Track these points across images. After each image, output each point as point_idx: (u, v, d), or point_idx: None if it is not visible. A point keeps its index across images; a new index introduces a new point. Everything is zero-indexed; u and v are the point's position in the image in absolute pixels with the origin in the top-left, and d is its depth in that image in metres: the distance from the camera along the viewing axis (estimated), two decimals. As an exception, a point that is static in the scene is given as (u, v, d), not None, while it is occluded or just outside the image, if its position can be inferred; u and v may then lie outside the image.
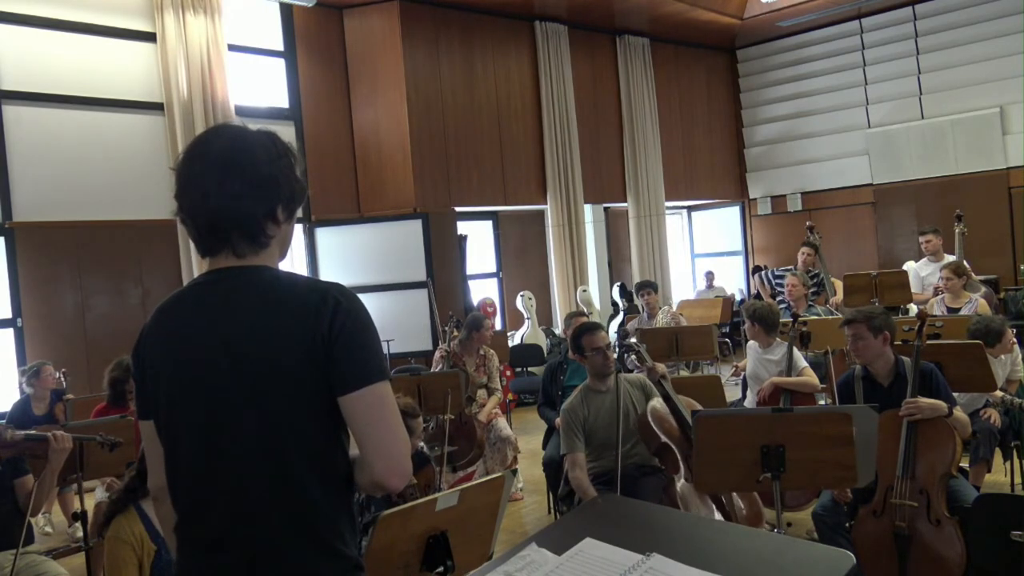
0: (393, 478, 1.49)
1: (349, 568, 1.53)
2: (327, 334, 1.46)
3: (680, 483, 3.55)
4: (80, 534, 3.87)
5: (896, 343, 3.68)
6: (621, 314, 10.19)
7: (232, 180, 1.49)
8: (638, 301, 7.40)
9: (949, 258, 6.80)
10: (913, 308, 6.66)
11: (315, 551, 1.49)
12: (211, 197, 1.49)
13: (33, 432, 3.40)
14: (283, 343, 1.46)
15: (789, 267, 7.79)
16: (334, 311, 1.47)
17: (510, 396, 7.88)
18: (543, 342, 9.65)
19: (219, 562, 1.50)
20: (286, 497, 1.47)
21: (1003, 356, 4.37)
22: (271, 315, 1.48)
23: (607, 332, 4.26)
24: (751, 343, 4.96)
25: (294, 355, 1.46)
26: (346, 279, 8.20)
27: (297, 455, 1.48)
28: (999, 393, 4.28)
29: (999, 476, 4.55)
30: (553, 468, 4.65)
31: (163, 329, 1.58)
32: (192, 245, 6.31)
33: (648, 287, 6.91)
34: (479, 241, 10.13)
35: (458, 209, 9.21)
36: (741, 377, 5.23)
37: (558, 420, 4.89)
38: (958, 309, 5.69)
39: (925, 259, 7.11)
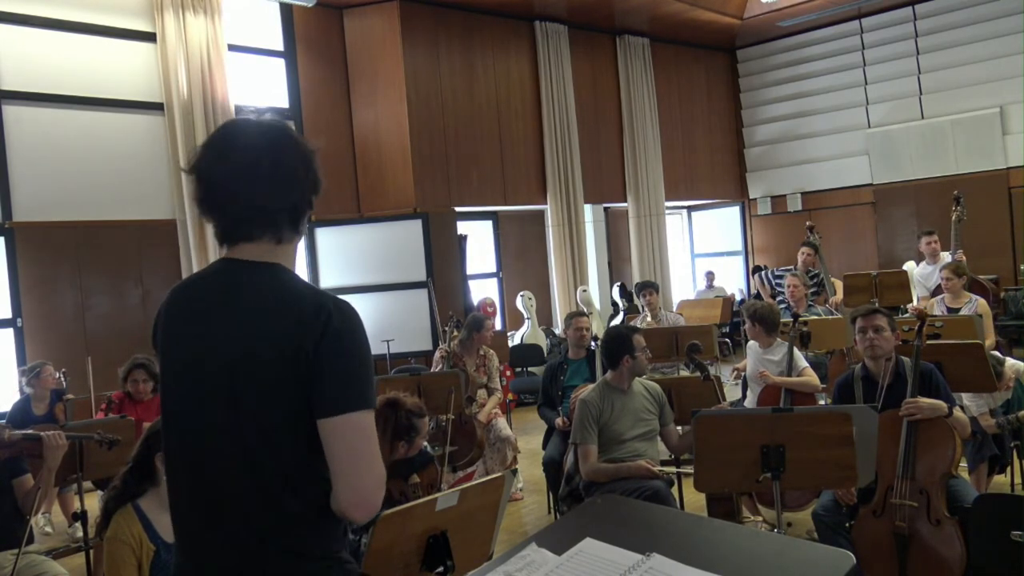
0: (355, 511, 1.44)
1: (336, 565, 1.53)
2: (314, 351, 1.42)
3: None
4: (80, 534, 3.88)
5: (896, 343, 3.68)
6: (621, 314, 10.19)
7: (262, 172, 1.49)
8: (638, 301, 7.39)
9: (944, 256, 6.78)
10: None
11: (295, 560, 1.48)
12: (241, 188, 1.49)
13: (30, 432, 3.40)
14: (270, 354, 1.44)
15: (789, 267, 7.78)
16: (325, 328, 1.43)
17: (510, 396, 7.88)
18: (543, 342, 9.65)
19: (205, 564, 1.51)
20: (264, 508, 1.46)
21: (996, 394, 4.33)
22: (262, 322, 1.46)
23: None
24: (751, 343, 4.96)
25: (278, 367, 1.43)
26: (346, 279, 8.22)
27: (274, 467, 1.46)
28: (991, 420, 4.27)
29: (999, 476, 4.54)
30: (553, 468, 4.65)
31: (166, 323, 1.59)
32: (191, 245, 6.31)
33: (649, 287, 6.89)
34: (479, 241, 10.13)
35: (458, 209, 9.20)
36: (741, 377, 5.23)
37: (558, 420, 4.92)
38: (958, 309, 5.68)
39: (924, 263, 7.02)
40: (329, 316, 1.44)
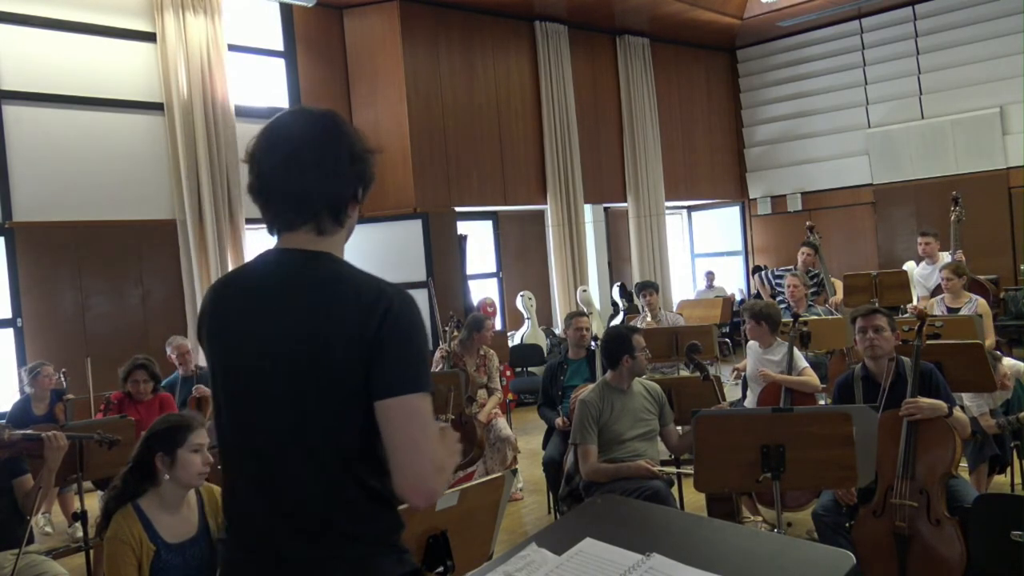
0: (413, 496, 1.43)
1: (392, 553, 1.52)
2: (374, 335, 1.43)
3: None
4: (80, 534, 3.88)
5: (896, 343, 3.68)
6: (621, 314, 10.19)
7: (302, 160, 1.50)
8: (638, 301, 7.39)
9: (944, 256, 6.78)
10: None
11: (353, 545, 1.48)
12: (283, 175, 1.50)
13: (30, 432, 3.40)
14: (331, 340, 1.44)
15: (789, 267, 7.78)
16: (385, 313, 1.44)
17: (510, 396, 7.88)
18: (543, 342, 9.65)
19: (261, 551, 1.51)
20: (325, 494, 1.47)
21: (996, 394, 4.33)
22: (324, 310, 1.46)
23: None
24: (751, 343, 4.96)
25: (339, 353, 1.44)
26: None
27: (335, 453, 1.46)
28: (992, 421, 4.27)
29: (999, 476, 4.54)
30: (553, 468, 4.65)
31: (218, 314, 1.58)
32: (192, 245, 6.30)
33: (649, 287, 6.88)
34: (479, 241, 10.13)
35: (458, 209, 9.20)
36: (742, 377, 5.23)
37: (558, 420, 4.92)
38: (958, 309, 5.68)
39: (924, 262, 7.02)
40: (390, 301, 1.45)
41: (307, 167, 1.50)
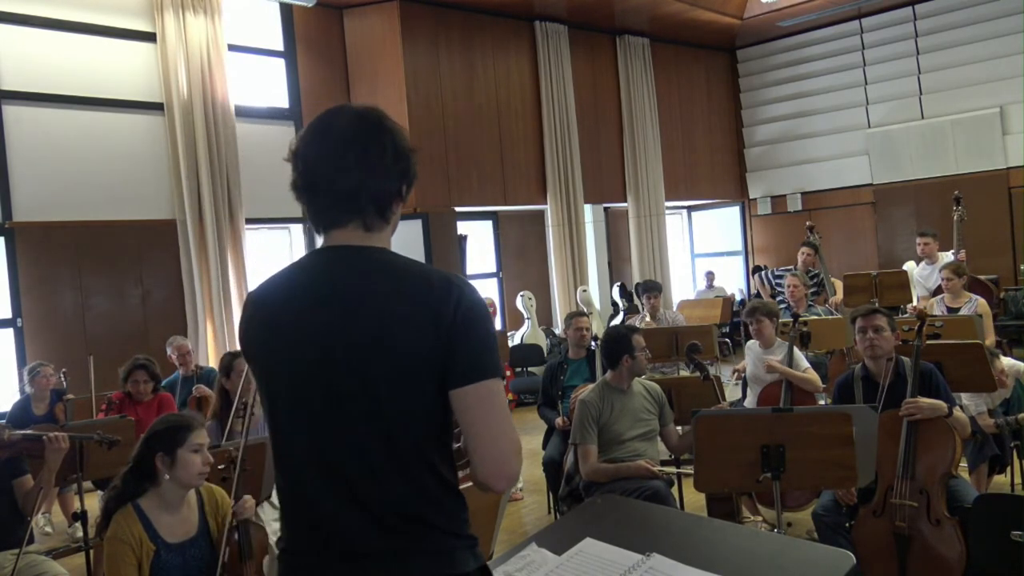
0: (494, 480, 1.43)
1: (467, 547, 1.51)
2: (451, 322, 1.42)
3: None
4: (80, 534, 3.88)
5: (896, 343, 3.68)
6: (621, 314, 10.19)
7: (349, 157, 1.49)
8: (638, 301, 7.37)
9: (944, 256, 6.77)
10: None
11: (429, 534, 1.47)
12: (329, 172, 1.49)
13: (30, 432, 3.40)
14: (407, 330, 1.43)
15: (789, 267, 7.78)
16: (458, 300, 1.44)
17: (510, 396, 7.88)
18: (543, 342, 9.65)
19: (327, 556, 1.48)
20: (403, 488, 1.45)
21: (995, 393, 4.32)
22: (395, 302, 1.45)
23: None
24: (751, 343, 4.96)
25: (417, 343, 1.42)
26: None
27: (412, 446, 1.45)
28: (990, 420, 4.27)
29: (999, 476, 4.54)
30: (553, 468, 4.65)
31: (270, 320, 1.54)
32: (192, 245, 6.27)
33: (653, 289, 6.81)
34: (479, 241, 10.13)
35: (458, 209, 9.21)
36: (742, 378, 5.23)
37: (558, 420, 4.92)
38: (958, 309, 5.68)
39: (924, 262, 7.01)
40: (460, 290, 1.45)
41: (352, 164, 1.49)
